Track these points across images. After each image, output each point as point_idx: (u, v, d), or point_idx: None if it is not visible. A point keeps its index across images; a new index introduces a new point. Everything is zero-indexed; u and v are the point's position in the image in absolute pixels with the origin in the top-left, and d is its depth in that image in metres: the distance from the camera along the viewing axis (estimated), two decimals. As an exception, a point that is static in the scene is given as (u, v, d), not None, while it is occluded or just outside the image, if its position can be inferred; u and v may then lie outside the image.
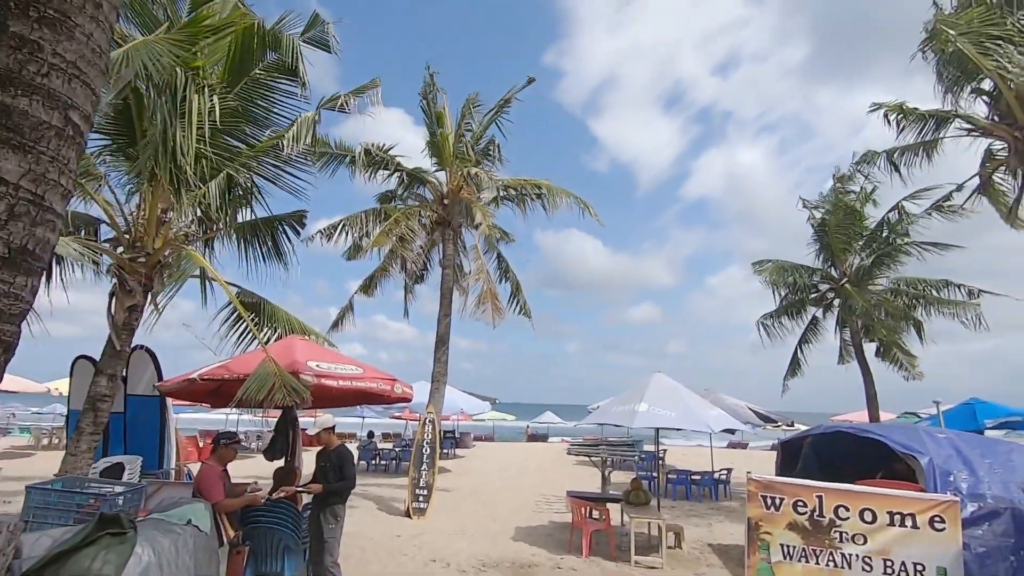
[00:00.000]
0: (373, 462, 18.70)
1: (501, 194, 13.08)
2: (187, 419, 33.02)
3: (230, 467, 5.50)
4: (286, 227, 7.77)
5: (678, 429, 11.64)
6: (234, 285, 7.80)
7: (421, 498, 10.81)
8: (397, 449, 19.53)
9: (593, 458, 12.66)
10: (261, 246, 7.67)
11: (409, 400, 7.23)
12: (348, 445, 5.90)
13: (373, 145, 12.18)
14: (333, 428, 5.90)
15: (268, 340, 7.87)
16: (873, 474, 7.63)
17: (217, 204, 6.83)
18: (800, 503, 5.26)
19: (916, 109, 10.97)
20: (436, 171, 13.42)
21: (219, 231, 7.75)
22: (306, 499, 6.10)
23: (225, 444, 5.47)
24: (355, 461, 5.78)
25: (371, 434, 20.19)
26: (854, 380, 16.46)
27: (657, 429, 9.23)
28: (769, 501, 5.37)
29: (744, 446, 37.39)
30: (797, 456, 8.96)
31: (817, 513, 5.18)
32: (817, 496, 5.22)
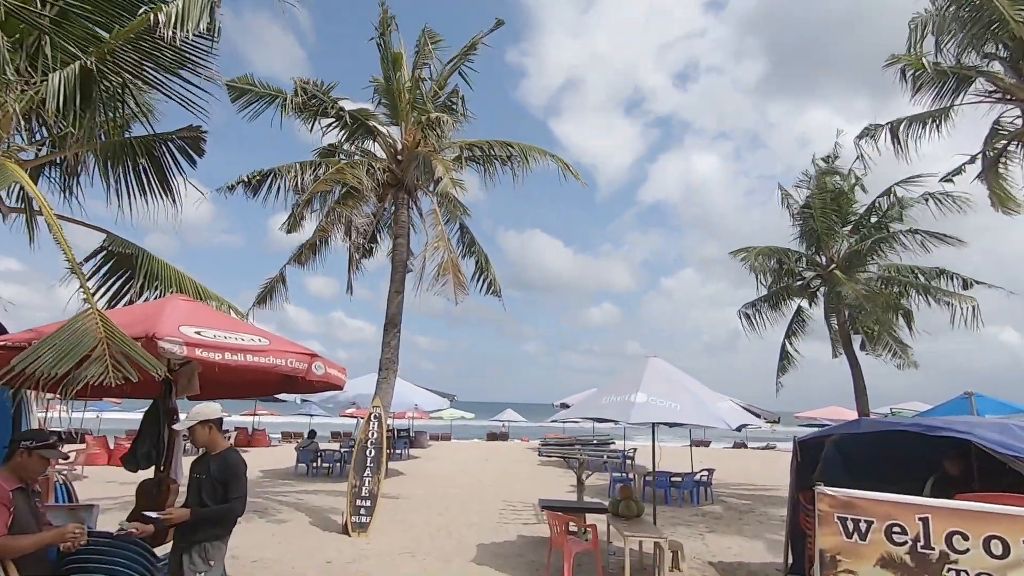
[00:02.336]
0: (314, 465, 16.58)
1: (465, 154, 11.22)
2: (109, 418, 29.60)
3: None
4: (174, 150, 5.71)
5: (672, 425, 10.11)
6: (100, 229, 5.69)
7: (363, 510, 8.87)
8: (343, 450, 17.43)
9: (569, 460, 11.09)
10: (135, 172, 5.58)
11: (340, 386, 5.33)
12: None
13: (309, 82, 10.08)
14: (218, 423, 3.95)
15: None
16: (919, 480, 6.21)
17: (59, 105, 4.76)
18: (896, 529, 3.67)
19: (938, 64, 9.78)
20: (389, 125, 11.44)
21: (78, 152, 5.62)
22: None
23: (28, 449, 3.45)
24: (247, 472, 3.85)
25: (312, 433, 17.98)
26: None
27: (653, 425, 7.59)
28: (851, 525, 3.77)
29: (707, 444, 36.61)
30: (817, 457, 7.50)
31: (922, 544, 3.60)
32: (921, 518, 3.64)
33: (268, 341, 4.55)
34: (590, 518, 8.34)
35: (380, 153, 11.36)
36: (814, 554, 7.11)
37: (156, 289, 5.76)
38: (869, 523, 3.74)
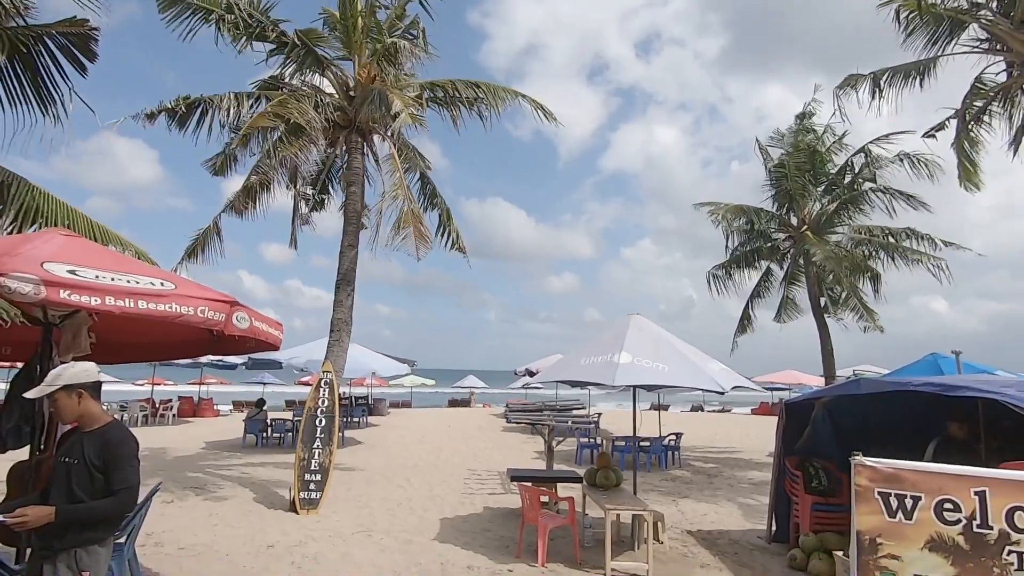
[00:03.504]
0: (263, 435, 15.54)
1: (427, 94, 10.07)
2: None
3: None
4: (54, 50, 4.47)
5: (651, 388, 9.56)
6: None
7: (312, 485, 8.01)
8: (295, 419, 16.40)
9: (537, 426, 10.52)
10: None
11: (275, 345, 4.38)
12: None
13: (243, -3, 8.57)
14: (92, 389, 2.95)
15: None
16: (913, 444, 5.78)
17: None
18: (948, 505, 3.09)
19: (934, 6, 9.19)
20: (341, 60, 10.11)
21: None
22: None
23: None
24: (138, 452, 2.90)
25: (262, 402, 16.84)
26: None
27: (635, 389, 6.95)
28: (895, 503, 3.16)
29: (666, 408, 37.16)
30: (805, 421, 7.06)
31: (979, 522, 3.03)
32: (977, 492, 3.06)
33: (174, 285, 3.55)
34: (563, 489, 7.77)
35: (330, 90, 10.06)
36: (801, 522, 6.75)
37: (37, 226, 4.62)
38: (916, 499, 3.14)
